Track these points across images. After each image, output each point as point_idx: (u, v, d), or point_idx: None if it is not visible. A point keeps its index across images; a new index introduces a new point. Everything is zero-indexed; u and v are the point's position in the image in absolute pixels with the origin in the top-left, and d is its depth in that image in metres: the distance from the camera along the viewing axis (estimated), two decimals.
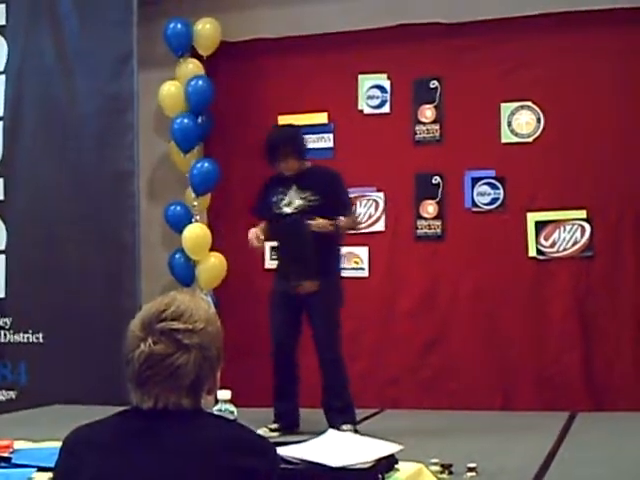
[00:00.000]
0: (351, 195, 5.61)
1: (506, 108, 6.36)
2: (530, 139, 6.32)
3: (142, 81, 6.43)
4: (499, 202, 6.35)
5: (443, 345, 6.37)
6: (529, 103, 6.32)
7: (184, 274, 6.75)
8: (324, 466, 2.57)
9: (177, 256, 6.75)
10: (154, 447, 1.75)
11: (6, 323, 6.66)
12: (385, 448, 2.73)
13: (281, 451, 2.44)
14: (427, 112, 6.53)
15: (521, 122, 6.34)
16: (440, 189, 6.46)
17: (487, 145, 6.36)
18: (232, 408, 2.41)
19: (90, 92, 6.51)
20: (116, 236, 6.40)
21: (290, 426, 5.25)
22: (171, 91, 6.76)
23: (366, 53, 6.59)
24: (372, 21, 6.51)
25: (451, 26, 6.40)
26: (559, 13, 6.16)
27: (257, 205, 5.52)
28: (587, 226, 6.18)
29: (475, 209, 6.39)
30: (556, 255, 6.23)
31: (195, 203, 6.74)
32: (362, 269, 6.48)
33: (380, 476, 2.58)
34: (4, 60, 6.76)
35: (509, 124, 6.35)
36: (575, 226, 6.20)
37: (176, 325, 1.79)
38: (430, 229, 6.48)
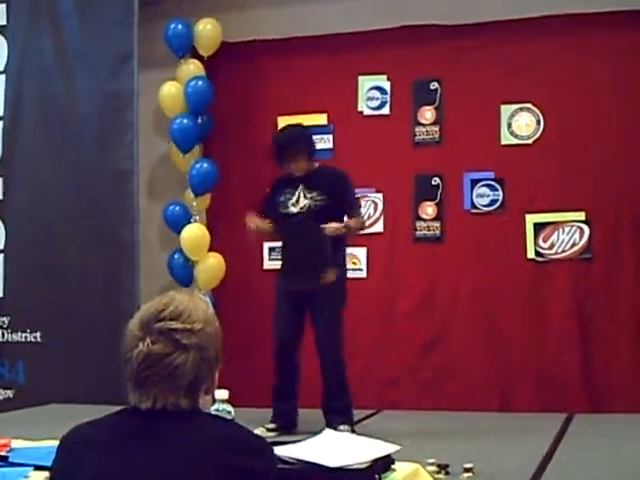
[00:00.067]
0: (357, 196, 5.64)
1: (506, 110, 6.36)
2: (530, 141, 6.33)
3: (142, 81, 6.43)
4: (498, 204, 6.36)
5: (442, 346, 6.38)
6: (529, 105, 6.32)
7: (183, 274, 6.75)
8: (321, 466, 2.57)
9: (176, 256, 6.76)
10: (153, 447, 1.75)
11: (4, 322, 6.66)
12: (382, 448, 2.73)
13: (278, 451, 2.44)
14: (427, 113, 6.53)
15: (521, 124, 6.35)
16: (439, 190, 6.47)
17: (487, 147, 6.37)
18: (229, 408, 2.41)
19: (90, 92, 6.51)
20: (115, 236, 6.40)
21: (288, 426, 5.25)
22: (171, 91, 6.76)
23: (366, 54, 6.59)
24: (372, 22, 6.51)
25: (451, 28, 6.41)
26: (559, 15, 6.17)
27: (264, 205, 5.53)
28: (586, 228, 6.19)
29: (474, 210, 6.40)
30: (555, 257, 6.23)
31: (194, 203, 6.75)
32: (360, 270, 6.48)
33: (377, 476, 2.58)
34: (4, 60, 6.77)
35: (509, 126, 6.36)
36: (574, 228, 6.21)
37: (174, 325, 1.80)
38: (429, 230, 6.49)
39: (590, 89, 6.18)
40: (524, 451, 4.73)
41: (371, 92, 6.64)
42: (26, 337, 6.59)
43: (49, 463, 1.86)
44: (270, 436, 5.03)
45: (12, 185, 6.72)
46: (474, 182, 6.40)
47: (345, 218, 5.34)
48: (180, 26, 6.74)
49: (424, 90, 6.52)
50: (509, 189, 6.33)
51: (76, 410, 5.27)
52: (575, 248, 6.21)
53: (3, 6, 6.77)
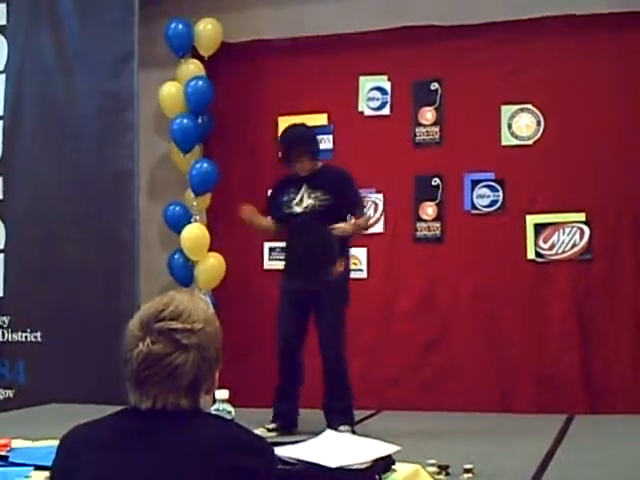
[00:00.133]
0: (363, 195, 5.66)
1: (506, 110, 6.36)
2: (530, 142, 6.33)
3: (143, 81, 6.43)
4: (498, 204, 6.36)
5: (442, 346, 6.38)
6: (529, 106, 6.32)
7: (183, 274, 6.75)
8: (321, 466, 2.57)
9: (176, 256, 6.76)
10: (153, 447, 1.75)
11: (4, 322, 6.66)
12: (382, 449, 2.73)
13: (278, 451, 2.44)
14: (427, 114, 6.53)
15: (521, 125, 6.35)
16: (439, 191, 6.47)
17: (487, 147, 6.37)
18: (230, 408, 2.41)
19: (90, 92, 6.51)
20: (115, 236, 6.40)
21: (288, 426, 5.25)
22: (171, 91, 6.76)
23: (367, 55, 6.59)
24: (373, 23, 6.51)
25: (451, 28, 6.41)
26: (559, 16, 6.17)
27: (268, 205, 5.53)
28: (586, 229, 6.19)
29: (474, 211, 6.40)
30: (555, 257, 6.23)
31: (194, 203, 6.74)
32: (360, 270, 6.48)
33: (377, 477, 2.58)
34: (4, 59, 6.77)
35: (509, 126, 6.36)
36: (574, 229, 6.21)
37: (174, 325, 1.79)
38: (429, 231, 6.49)
39: (590, 90, 6.18)
40: (524, 452, 4.73)
41: (371, 92, 6.64)
42: (26, 337, 6.59)
43: (49, 463, 1.86)
44: (270, 436, 5.03)
45: (12, 185, 6.72)
46: (474, 183, 6.40)
47: (349, 217, 5.34)
48: (180, 26, 6.74)
49: (424, 90, 6.52)
50: (509, 190, 6.33)
51: (76, 410, 5.27)
52: (575, 249, 6.21)
53: (3, 6, 6.77)
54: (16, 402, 6.39)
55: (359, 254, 6.47)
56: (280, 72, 6.76)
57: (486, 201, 6.38)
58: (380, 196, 6.53)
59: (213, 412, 2.35)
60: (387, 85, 6.62)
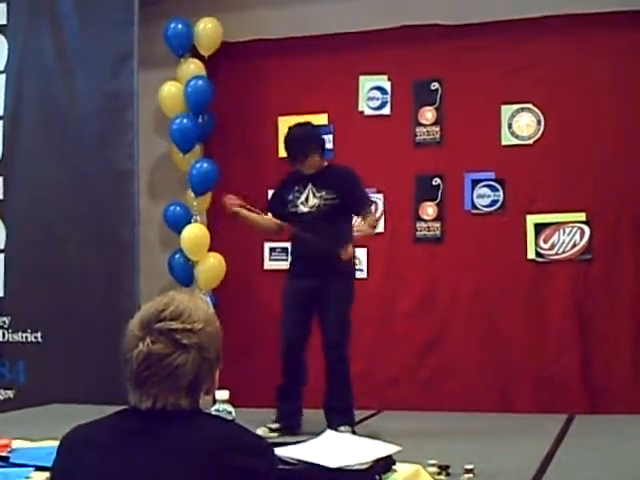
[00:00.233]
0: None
1: (507, 110, 6.36)
2: (530, 141, 6.33)
3: (142, 81, 6.43)
4: (499, 204, 6.36)
5: (442, 346, 6.38)
6: (530, 105, 6.32)
7: (183, 274, 6.75)
8: (322, 467, 2.57)
9: (176, 256, 6.76)
10: (153, 447, 1.75)
11: (5, 322, 6.66)
12: (383, 449, 2.73)
13: (279, 452, 2.44)
14: (427, 114, 6.53)
15: (521, 124, 6.35)
16: (440, 191, 6.47)
17: (487, 147, 6.37)
18: (230, 408, 2.41)
19: (90, 91, 6.51)
20: (115, 236, 6.40)
21: (291, 427, 5.24)
22: (171, 91, 6.76)
23: (367, 54, 6.59)
24: (373, 22, 6.51)
25: (452, 28, 6.41)
26: (560, 16, 6.17)
27: (271, 202, 5.53)
28: (586, 229, 6.18)
29: (475, 211, 6.40)
30: (555, 257, 6.23)
31: (195, 203, 6.74)
32: (360, 270, 6.47)
33: (377, 477, 2.58)
34: (4, 59, 6.77)
35: (509, 126, 6.36)
36: (574, 229, 6.20)
37: (175, 325, 1.79)
38: (429, 231, 6.49)
39: (590, 89, 6.18)
40: (525, 452, 4.73)
41: (372, 92, 6.64)
42: (26, 337, 6.59)
43: (50, 463, 1.86)
44: (273, 436, 5.03)
45: (12, 185, 6.72)
46: (475, 182, 6.40)
47: (354, 217, 5.34)
48: (180, 26, 6.74)
49: (425, 90, 6.52)
50: (510, 189, 6.33)
51: (76, 410, 5.27)
52: (575, 249, 6.20)
53: (3, 6, 6.77)
54: (16, 402, 6.38)
55: (359, 254, 6.46)
56: (280, 72, 6.76)
57: (486, 201, 6.38)
58: (380, 196, 6.53)
59: (213, 412, 2.35)
60: (387, 85, 6.62)
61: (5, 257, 6.71)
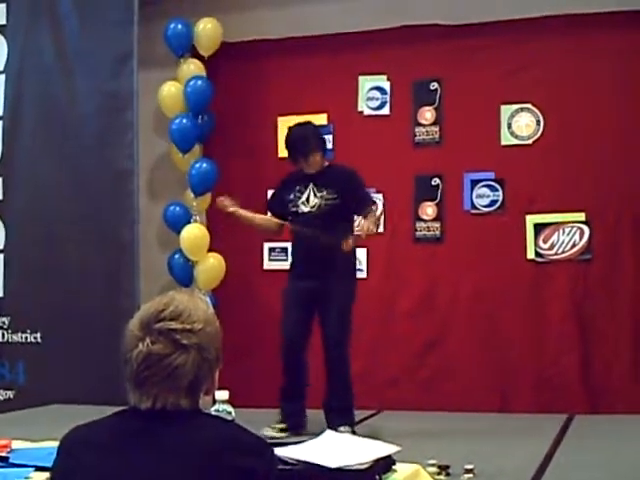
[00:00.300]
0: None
1: (506, 110, 6.36)
2: (530, 141, 6.33)
3: (142, 81, 6.43)
4: (498, 204, 6.36)
5: (442, 346, 6.38)
6: (529, 105, 6.32)
7: (183, 274, 6.75)
8: (322, 467, 2.57)
9: (176, 256, 6.76)
10: (152, 447, 1.75)
11: (4, 322, 6.66)
12: (382, 449, 2.73)
13: (279, 452, 2.44)
14: (427, 114, 6.53)
15: (521, 124, 6.35)
16: (439, 191, 6.47)
17: (487, 147, 6.37)
18: (230, 409, 2.41)
19: (90, 91, 6.51)
20: (115, 236, 6.40)
21: (296, 427, 5.22)
22: (171, 91, 6.77)
23: (366, 54, 6.59)
24: (372, 22, 6.51)
25: (451, 28, 6.41)
26: (559, 16, 6.17)
27: (271, 202, 5.53)
28: (586, 229, 6.18)
29: (474, 211, 6.40)
30: (555, 257, 6.23)
31: (194, 203, 6.74)
32: (360, 270, 6.47)
33: (377, 477, 2.58)
34: (4, 59, 6.76)
35: (509, 126, 6.36)
36: (574, 229, 6.21)
37: (174, 325, 1.79)
38: (429, 231, 6.49)
39: (590, 89, 6.18)
40: (524, 452, 4.73)
41: (371, 92, 6.64)
42: (26, 337, 6.59)
43: (50, 464, 1.86)
44: (281, 436, 5.01)
45: (12, 185, 6.72)
46: (474, 182, 6.40)
47: (356, 217, 5.33)
48: (180, 26, 6.74)
49: (424, 90, 6.52)
50: (509, 189, 6.33)
51: (76, 411, 5.27)
52: (575, 249, 6.20)
53: (3, 6, 6.77)
54: (16, 403, 6.38)
55: (359, 254, 6.46)
56: (280, 72, 6.76)
57: (486, 201, 6.38)
58: (380, 196, 6.52)
59: (213, 413, 2.35)
60: (386, 85, 6.62)
61: (5, 257, 6.71)
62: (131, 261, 6.35)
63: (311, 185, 5.24)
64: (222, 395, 2.40)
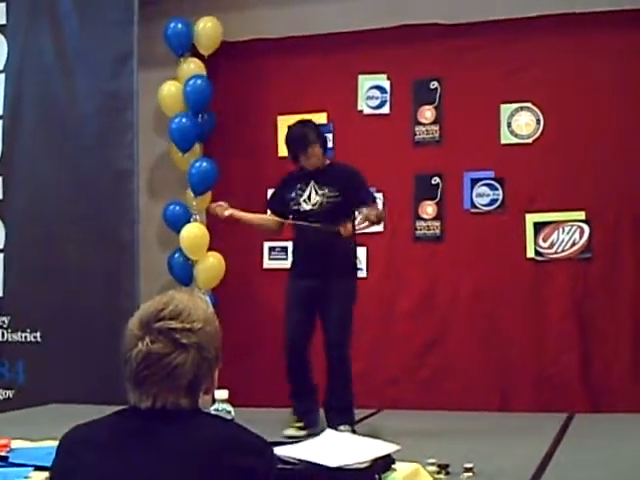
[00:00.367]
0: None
1: (506, 109, 6.36)
2: (530, 140, 6.33)
3: (142, 80, 6.43)
4: (498, 203, 6.36)
5: (442, 345, 6.38)
6: (529, 104, 6.32)
7: (183, 274, 6.75)
8: (321, 466, 2.57)
9: (176, 256, 6.76)
10: (152, 447, 1.75)
11: (4, 322, 6.66)
12: (382, 448, 2.74)
13: (279, 451, 2.44)
14: (427, 113, 6.53)
15: (521, 123, 6.35)
16: (439, 190, 6.47)
17: (486, 146, 6.36)
18: (229, 408, 2.41)
19: (90, 91, 6.51)
20: (115, 235, 6.40)
21: (313, 424, 5.21)
22: (171, 91, 6.77)
23: (366, 53, 6.59)
24: (372, 21, 6.51)
25: (451, 27, 6.41)
26: (559, 15, 6.17)
27: (271, 201, 5.52)
28: (586, 227, 6.18)
29: (474, 210, 6.40)
30: (554, 256, 6.23)
31: (194, 203, 6.74)
32: (360, 269, 6.47)
33: (377, 476, 2.58)
34: (4, 59, 6.76)
35: (509, 125, 6.36)
36: (574, 227, 6.21)
37: (174, 324, 1.79)
38: (429, 230, 6.49)
39: (590, 88, 6.18)
40: (524, 451, 4.73)
41: (371, 91, 6.64)
42: (26, 337, 6.59)
43: (49, 463, 1.86)
44: (302, 435, 4.98)
45: (12, 185, 6.72)
46: (474, 181, 6.40)
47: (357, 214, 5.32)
48: (180, 25, 6.74)
49: (424, 89, 6.52)
50: (509, 188, 6.33)
51: (76, 410, 5.27)
52: (575, 247, 6.21)
53: (3, 5, 6.77)
54: (16, 402, 6.38)
55: (359, 253, 6.46)
56: (280, 71, 6.76)
57: (486, 200, 6.38)
58: (380, 195, 6.51)
59: (213, 412, 2.35)
60: (386, 84, 6.62)
61: (5, 257, 6.71)
62: (131, 261, 6.35)
63: (312, 183, 5.24)
64: (222, 394, 2.40)
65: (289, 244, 5.67)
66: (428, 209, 6.49)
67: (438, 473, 4.04)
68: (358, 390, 5.35)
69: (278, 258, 6.63)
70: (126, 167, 6.39)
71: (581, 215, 6.19)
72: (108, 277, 6.42)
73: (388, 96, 6.61)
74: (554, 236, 6.23)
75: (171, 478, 1.72)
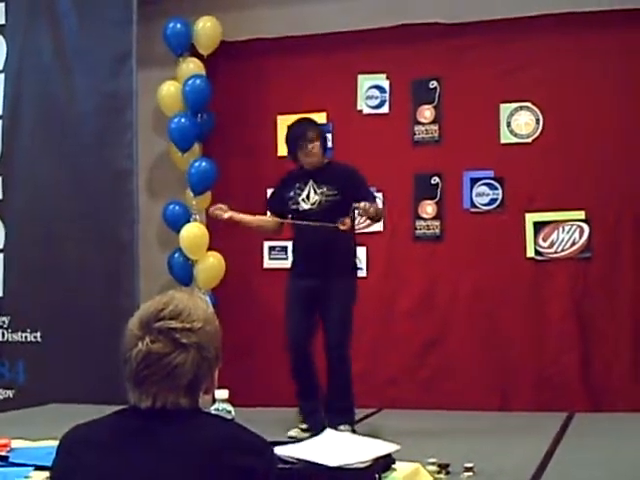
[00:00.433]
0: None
1: (505, 109, 6.36)
2: (529, 140, 6.32)
3: (141, 80, 6.43)
4: (498, 202, 6.36)
5: (442, 345, 6.38)
6: (528, 104, 6.32)
7: (182, 273, 6.75)
8: (321, 465, 2.57)
9: (176, 255, 6.76)
10: (152, 446, 1.75)
11: (4, 322, 6.66)
12: (382, 448, 2.74)
13: (279, 451, 2.44)
14: (426, 112, 6.53)
15: (520, 123, 6.34)
16: (439, 189, 6.47)
17: (486, 146, 6.36)
18: (229, 407, 2.41)
19: (89, 91, 6.50)
20: (115, 235, 6.40)
21: (318, 425, 5.20)
22: (170, 90, 6.76)
23: (365, 53, 6.59)
24: (372, 21, 6.51)
25: (451, 26, 6.40)
26: (559, 14, 6.17)
27: (270, 201, 5.52)
28: (586, 227, 6.18)
29: (474, 209, 6.40)
30: (554, 256, 6.23)
31: (194, 202, 6.74)
32: (360, 269, 6.47)
33: (377, 476, 2.58)
34: (3, 59, 6.76)
35: (508, 124, 6.36)
36: (574, 227, 6.20)
37: (174, 324, 1.79)
38: (429, 229, 6.49)
39: (590, 88, 6.18)
40: (524, 450, 4.73)
41: (370, 91, 6.63)
42: (26, 337, 6.59)
43: (49, 463, 1.86)
44: (305, 436, 4.98)
45: (11, 184, 6.71)
46: (474, 181, 6.40)
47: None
48: (179, 25, 6.73)
49: (423, 89, 6.52)
50: (509, 188, 6.33)
51: (76, 410, 5.27)
52: (575, 247, 6.20)
53: (2, 5, 6.77)
54: (16, 402, 6.38)
55: (358, 252, 6.46)
56: (279, 71, 6.76)
57: (485, 199, 6.38)
58: (379, 195, 6.51)
59: (213, 412, 2.35)
60: (386, 84, 6.61)
61: (4, 256, 6.71)
62: (131, 260, 6.35)
63: (311, 182, 5.23)
64: (222, 394, 2.40)
65: (289, 244, 5.67)
66: (428, 209, 6.49)
67: (438, 473, 4.04)
68: (358, 390, 5.35)
69: (278, 258, 6.63)
70: (125, 167, 6.39)
71: (581, 215, 6.19)
72: (108, 277, 6.42)
73: (387, 96, 6.61)
74: (554, 236, 6.23)
75: (171, 478, 1.72)
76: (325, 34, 6.63)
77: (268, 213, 5.51)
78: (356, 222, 5.37)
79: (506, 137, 6.35)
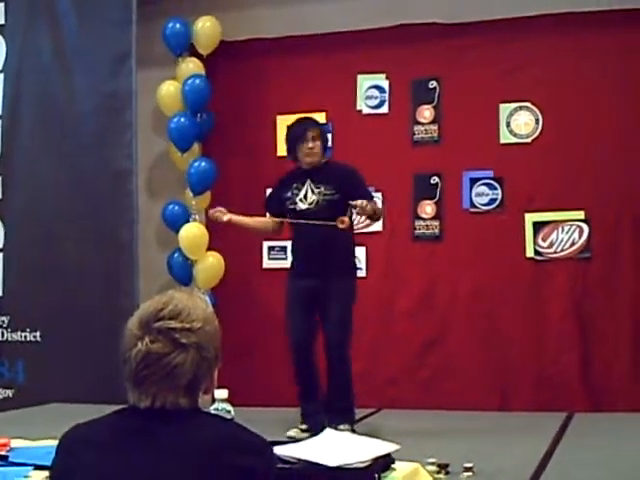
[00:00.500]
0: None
1: (505, 109, 6.36)
2: (529, 140, 6.33)
3: (141, 80, 6.43)
4: (497, 202, 6.36)
5: (441, 345, 6.38)
6: (528, 104, 6.32)
7: (182, 273, 6.75)
8: (321, 465, 2.57)
9: (175, 255, 6.76)
10: (151, 446, 1.75)
11: (4, 321, 6.66)
12: (382, 447, 2.74)
13: (278, 450, 2.44)
14: (425, 112, 6.53)
15: (520, 123, 6.35)
16: (438, 189, 6.47)
17: (485, 146, 6.36)
18: (229, 407, 2.41)
19: (88, 90, 6.51)
20: (114, 235, 6.40)
21: (317, 426, 5.19)
22: (169, 90, 6.76)
23: (365, 53, 6.59)
24: (371, 21, 6.51)
25: (450, 26, 6.40)
26: (558, 14, 6.17)
27: (269, 201, 5.51)
28: (585, 227, 6.18)
29: (473, 209, 6.40)
30: (554, 256, 6.23)
31: (193, 202, 6.74)
32: (359, 269, 6.47)
33: (376, 475, 2.58)
34: (2, 59, 6.76)
35: (508, 124, 6.36)
36: (573, 227, 6.20)
37: (173, 324, 1.79)
38: (428, 229, 6.49)
39: (589, 88, 6.18)
40: (524, 450, 4.73)
41: (370, 91, 6.63)
42: (25, 336, 6.59)
43: (49, 462, 1.86)
44: (304, 437, 4.98)
45: (11, 184, 6.71)
46: (473, 181, 6.40)
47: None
48: (178, 25, 6.73)
49: (423, 89, 6.52)
50: (508, 188, 6.33)
51: (75, 410, 5.26)
52: (574, 247, 6.20)
53: (1, 5, 6.77)
54: (15, 402, 6.39)
55: (358, 252, 6.46)
56: (279, 71, 6.76)
57: (485, 199, 6.38)
58: (379, 195, 6.51)
59: (212, 411, 2.35)
60: (385, 83, 6.61)
61: (4, 256, 6.71)
62: (130, 260, 6.35)
63: (308, 181, 5.22)
64: (221, 394, 2.40)
65: (288, 244, 5.66)
66: (427, 209, 6.49)
67: (438, 473, 4.04)
68: (358, 390, 5.35)
69: (278, 258, 6.63)
70: (125, 167, 6.39)
71: (580, 215, 6.19)
72: (107, 277, 6.42)
73: (387, 96, 6.61)
74: (553, 236, 6.23)
75: (171, 478, 1.72)
76: (325, 34, 6.63)
77: (267, 214, 5.51)
78: (355, 221, 5.37)
79: (505, 137, 6.35)
